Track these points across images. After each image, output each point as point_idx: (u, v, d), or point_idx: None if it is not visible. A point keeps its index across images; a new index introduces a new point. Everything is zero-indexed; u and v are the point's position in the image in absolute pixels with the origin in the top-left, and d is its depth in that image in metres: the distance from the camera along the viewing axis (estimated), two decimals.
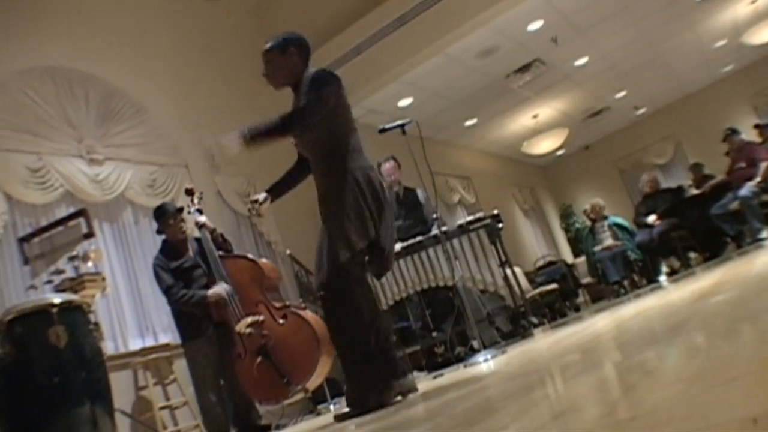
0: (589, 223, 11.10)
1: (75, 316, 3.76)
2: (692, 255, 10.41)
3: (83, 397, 3.63)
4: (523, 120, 13.93)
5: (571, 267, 13.25)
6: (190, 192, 5.69)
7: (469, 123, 13.14)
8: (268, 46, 3.77)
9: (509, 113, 13.34)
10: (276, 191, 4.11)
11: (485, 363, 4.59)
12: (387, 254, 3.64)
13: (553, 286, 11.25)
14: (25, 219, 6.89)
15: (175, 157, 8.45)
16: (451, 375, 4.53)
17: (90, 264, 5.17)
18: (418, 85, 10.42)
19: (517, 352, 4.62)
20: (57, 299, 3.72)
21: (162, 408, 6.71)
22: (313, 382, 5.42)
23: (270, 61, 3.76)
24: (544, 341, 5.03)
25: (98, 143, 7.73)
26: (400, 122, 5.47)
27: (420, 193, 7.15)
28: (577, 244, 15.54)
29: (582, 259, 12.56)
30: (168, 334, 7.52)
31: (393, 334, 3.77)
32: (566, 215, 17.53)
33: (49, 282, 5.13)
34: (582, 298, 13.22)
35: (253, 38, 10.76)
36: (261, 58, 3.81)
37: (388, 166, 7.14)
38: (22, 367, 3.58)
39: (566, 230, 17.37)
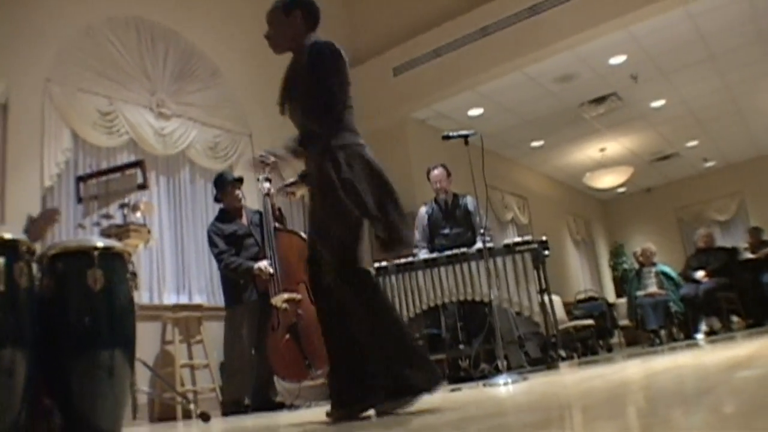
0: (637, 266, 10.95)
1: (114, 262, 3.80)
2: (735, 318, 10.23)
3: (108, 341, 3.67)
4: (590, 151, 13.79)
5: (611, 306, 13.10)
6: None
7: (535, 144, 13.03)
8: (272, 6, 3.53)
9: (577, 142, 13.21)
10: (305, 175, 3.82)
11: (505, 386, 4.56)
12: (392, 226, 3.29)
13: (590, 322, 11.14)
14: (87, 159, 7.08)
15: (241, 125, 8.55)
16: (469, 392, 4.50)
17: (138, 215, 5.24)
18: (491, 98, 10.36)
19: (539, 381, 4.56)
20: (100, 243, 3.77)
21: (183, 366, 6.81)
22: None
23: (272, 22, 3.52)
24: (569, 376, 4.96)
25: (169, 98, 7.87)
26: (464, 132, 5.45)
27: (470, 200, 7.10)
28: (621, 285, 15.35)
29: (623, 300, 12.41)
30: (203, 296, 7.65)
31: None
32: (616, 254, 17.31)
33: (97, 224, 5.22)
34: (617, 339, 13.07)
35: (336, 23, 10.83)
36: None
37: (436, 172, 7.11)
38: (57, 302, 3.64)
39: (613, 268, 17.14)
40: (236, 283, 6.05)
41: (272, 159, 3.53)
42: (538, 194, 14.48)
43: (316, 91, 3.30)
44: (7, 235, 3.44)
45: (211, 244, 6.16)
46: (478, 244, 6.63)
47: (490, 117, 11.01)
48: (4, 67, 6.58)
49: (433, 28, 9.83)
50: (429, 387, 3.05)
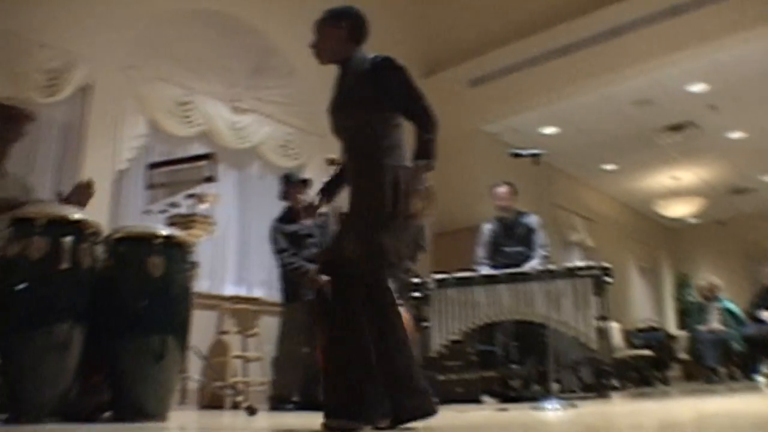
0: (701, 299, 10.72)
1: (175, 251, 3.90)
2: None
3: (161, 327, 3.78)
4: (662, 178, 13.52)
5: (671, 338, 12.83)
6: (332, 162, 5.67)
7: (606, 167, 12.84)
8: (321, 15, 3.44)
9: (649, 168, 12.96)
10: (330, 191, 3.71)
11: (552, 412, 4.51)
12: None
13: (648, 352, 10.94)
14: (160, 146, 7.25)
15: (314, 125, 8.60)
16: (516, 413, 4.46)
17: (204, 206, 5.32)
18: (565, 118, 10.27)
19: (588, 411, 4.49)
20: (164, 231, 3.87)
21: (236, 357, 6.88)
22: None
23: (319, 32, 3.42)
24: (619, 409, 4.87)
25: (245, 93, 8.01)
26: (534, 151, 5.37)
27: (534, 219, 7.01)
28: (684, 317, 15.05)
29: (684, 333, 12.18)
30: (262, 289, 7.75)
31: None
32: (681, 284, 16.95)
33: (163, 211, 5.30)
34: (674, 372, 12.82)
35: (415, 31, 10.87)
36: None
37: (501, 190, 7.03)
38: (116, 284, 3.75)
39: (677, 300, 16.80)
40: (294, 281, 6.11)
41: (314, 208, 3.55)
42: (606, 217, 14.28)
43: (405, 104, 3.20)
44: (76, 216, 3.56)
45: (273, 241, 6.27)
46: (534, 261, 6.61)
47: (563, 136, 10.90)
48: (90, 51, 6.77)
49: (512, 43, 9.79)
50: (422, 415, 2.98)
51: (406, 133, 3.29)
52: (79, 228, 3.53)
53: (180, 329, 3.91)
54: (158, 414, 3.76)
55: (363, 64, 3.28)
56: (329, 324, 3.22)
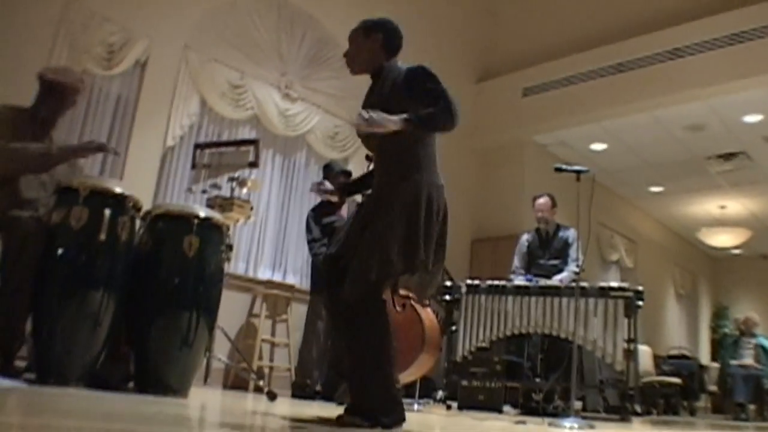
0: (737, 332, 10.58)
1: (212, 233, 3.97)
2: None
3: (192, 304, 3.86)
4: (709, 206, 13.35)
5: (702, 368, 12.65)
6: (370, 159, 5.69)
7: (653, 189, 12.71)
8: (355, 26, 3.45)
9: (697, 194, 12.80)
10: (348, 189, 3.85)
11: (569, 430, 4.50)
12: (430, 279, 3.24)
13: (677, 380, 10.80)
14: (210, 126, 7.36)
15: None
16: (533, 427, 4.47)
17: (245, 191, 5.40)
18: (616, 135, 10.17)
19: None
20: (202, 213, 3.95)
21: (264, 341, 6.97)
22: (406, 377, 5.47)
23: (353, 41, 3.44)
24: None
25: (298, 82, 8.08)
26: (578, 168, 5.36)
27: (572, 233, 6.98)
28: (718, 348, 14.86)
29: (717, 365, 12.02)
30: (297, 277, 7.82)
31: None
32: (719, 315, 16.73)
33: (205, 192, 5.40)
34: (702, 403, 12.65)
35: (475, 35, 10.87)
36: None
37: (541, 201, 7.03)
38: (152, 258, 3.84)
39: (713, 330, 16.59)
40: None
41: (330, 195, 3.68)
42: (648, 239, 14.15)
43: (432, 99, 3.10)
44: (117, 189, 3.65)
45: (308, 229, 6.32)
46: (563, 275, 6.61)
47: (612, 154, 10.81)
48: (149, 27, 6.89)
49: (568, 56, 9.74)
50: (390, 426, 3.00)
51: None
52: (119, 201, 3.63)
53: (209, 309, 3.98)
54: (180, 390, 3.83)
55: (397, 75, 3.26)
56: (348, 324, 3.18)
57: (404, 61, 3.42)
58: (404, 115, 3.00)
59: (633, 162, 11.20)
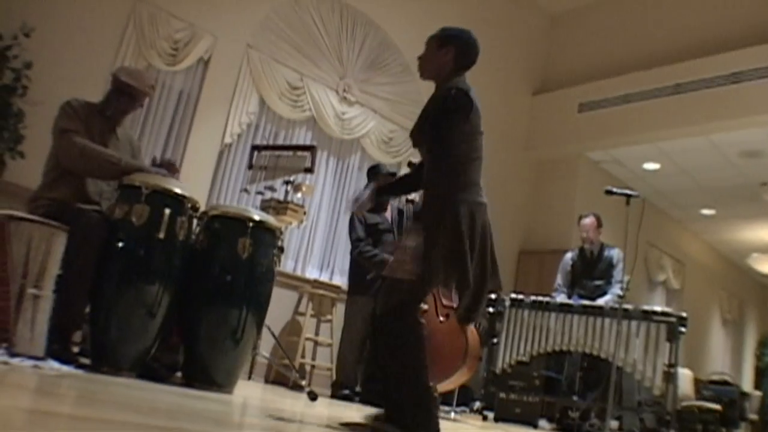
0: None
1: (265, 236, 4.10)
2: None
3: (242, 302, 3.98)
4: (762, 233, 13.18)
5: (744, 396, 12.48)
6: (411, 165, 5.73)
7: (705, 212, 12.59)
8: (434, 33, 3.40)
9: (750, 220, 12.66)
10: (386, 190, 3.84)
11: None
12: (475, 301, 3.21)
13: (717, 406, 10.68)
14: (267, 126, 7.53)
15: None
16: None
17: (299, 195, 5.53)
18: (671, 157, 10.12)
19: None
20: (256, 216, 4.07)
21: (308, 339, 7.09)
22: (445, 386, 5.53)
23: (427, 48, 3.39)
24: None
25: (356, 86, 8.21)
26: (629, 192, 5.40)
27: (616, 253, 6.99)
28: (761, 377, 14.67)
29: (759, 393, 11.88)
30: (343, 278, 7.91)
31: None
32: (764, 344, 16.48)
33: (260, 193, 5.54)
34: (742, 431, 12.47)
35: (536, 48, 10.89)
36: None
37: (587, 221, 7.04)
38: (206, 256, 3.98)
39: (758, 358, 16.36)
40: (363, 273, 6.19)
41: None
42: (697, 262, 14.02)
43: (436, 140, 3.17)
44: (177, 190, 3.79)
45: (352, 228, 6.31)
46: (608, 297, 6.64)
47: (665, 174, 10.76)
48: (213, 25, 7.08)
49: (626, 73, 9.69)
50: None
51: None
52: (179, 201, 3.77)
53: (259, 308, 4.11)
54: (226, 385, 3.97)
55: (442, 93, 3.24)
56: (385, 339, 3.19)
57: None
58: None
59: (686, 184, 11.13)
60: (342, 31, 8.15)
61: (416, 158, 3.79)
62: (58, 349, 3.39)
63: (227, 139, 7.12)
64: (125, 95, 4.16)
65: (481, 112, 3.25)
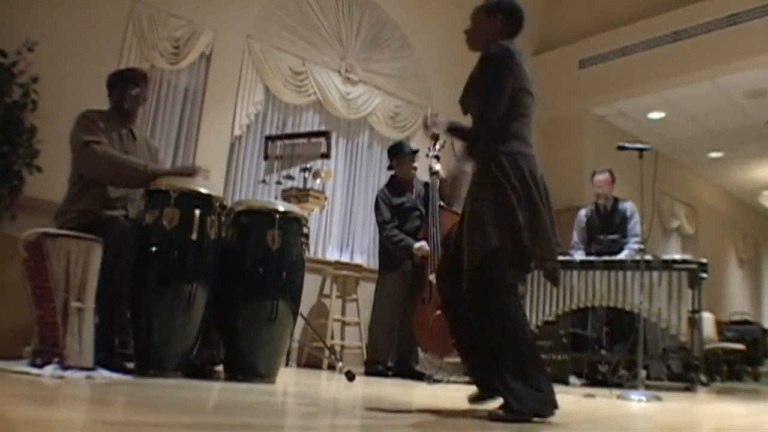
0: None
1: (292, 225, 4.18)
2: None
3: (277, 292, 4.08)
4: None
5: (765, 333, 12.55)
6: (435, 137, 5.72)
7: (713, 155, 12.63)
8: (478, 5, 3.42)
9: (759, 159, 12.71)
10: (455, 130, 3.53)
11: (638, 403, 4.63)
12: (541, 254, 3.08)
13: (741, 346, 10.77)
14: (275, 114, 7.58)
15: (423, 98, 8.79)
16: (602, 401, 4.60)
17: (318, 181, 5.61)
18: (675, 104, 10.15)
19: (673, 407, 4.56)
20: (281, 207, 4.16)
21: (336, 320, 7.18)
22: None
23: (474, 19, 3.43)
24: (705, 407, 4.91)
25: (358, 65, 8.26)
26: (640, 146, 5.44)
27: (629, 206, 7.04)
28: None
29: None
30: (364, 256, 8.03)
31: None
32: None
33: (279, 183, 5.61)
34: (766, 368, 12.56)
35: (532, 8, 10.86)
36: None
37: (601, 177, 7.09)
38: (237, 252, 4.06)
39: None
40: (391, 252, 6.30)
41: (434, 128, 3.51)
42: (709, 206, 14.06)
43: (476, 98, 3.22)
44: (203, 190, 3.87)
45: (377, 210, 6.41)
46: (626, 251, 6.71)
47: (671, 122, 10.79)
48: (213, 19, 7.12)
49: (624, 25, 9.69)
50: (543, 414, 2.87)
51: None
52: (207, 201, 3.85)
53: (292, 296, 4.21)
54: (268, 374, 4.06)
55: (490, 55, 3.24)
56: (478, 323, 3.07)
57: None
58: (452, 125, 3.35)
59: (692, 129, 11.16)
60: (339, 13, 8.18)
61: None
62: (104, 357, 3.48)
63: (237, 131, 7.19)
64: (128, 81, 4.24)
65: (529, 75, 3.26)
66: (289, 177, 5.55)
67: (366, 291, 7.27)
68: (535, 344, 3.18)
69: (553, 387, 2.95)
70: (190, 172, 4.06)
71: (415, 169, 6.43)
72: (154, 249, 3.70)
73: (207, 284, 3.82)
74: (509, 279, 3.10)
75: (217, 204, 3.92)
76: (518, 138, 3.18)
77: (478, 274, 2.99)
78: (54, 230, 3.46)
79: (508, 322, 2.98)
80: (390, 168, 6.58)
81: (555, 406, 2.90)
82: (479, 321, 3.04)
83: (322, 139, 5.47)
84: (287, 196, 5.41)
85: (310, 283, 7.26)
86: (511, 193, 3.02)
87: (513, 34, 3.38)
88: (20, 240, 3.32)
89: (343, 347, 7.35)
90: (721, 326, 11.65)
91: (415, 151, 6.48)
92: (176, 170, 4.05)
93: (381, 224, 6.34)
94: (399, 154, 6.47)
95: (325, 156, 5.53)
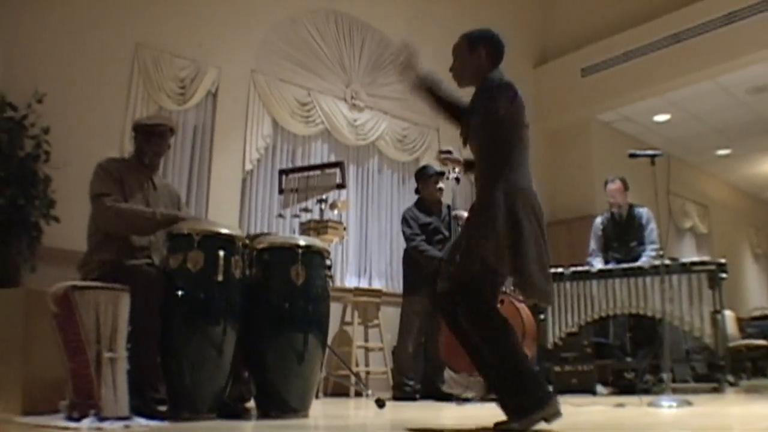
0: None
1: (315, 259, 4.20)
2: None
3: (304, 326, 4.09)
4: None
5: None
6: (442, 161, 5.77)
7: (721, 152, 12.65)
8: (458, 40, 3.50)
9: (766, 153, 12.75)
10: (470, 165, 3.72)
11: (668, 409, 4.62)
12: (531, 281, 3.17)
13: (764, 342, 10.71)
14: (284, 145, 7.64)
15: (429, 118, 8.82)
16: (633, 411, 4.58)
17: (335, 212, 5.65)
18: (680, 105, 10.18)
19: (706, 411, 4.54)
20: (302, 242, 4.18)
21: (359, 347, 7.19)
22: None
23: (457, 56, 3.50)
24: (737, 409, 4.89)
25: (363, 90, 8.33)
26: (651, 152, 5.43)
27: (645, 213, 7.06)
28: None
29: None
30: (382, 281, 8.04)
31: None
32: None
33: (296, 216, 5.65)
34: None
35: (529, 20, 10.94)
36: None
37: (613, 187, 7.09)
38: (261, 289, 4.08)
39: None
40: (416, 273, 6.30)
41: (451, 158, 3.72)
42: (720, 203, 14.05)
43: (483, 128, 3.28)
44: (225, 231, 3.89)
45: (405, 225, 6.41)
46: (644, 258, 6.71)
47: (677, 123, 10.82)
48: (216, 57, 7.21)
49: (624, 31, 9.78)
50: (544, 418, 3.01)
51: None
52: (230, 241, 3.88)
53: (320, 328, 4.22)
54: (301, 408, 4.06)
55: (491, 85, 3.35)
56: (479, 333, 3.22)
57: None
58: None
59: (698, 128, 11.19)
60: (340, 39, 8.26)
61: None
62: (138, 404, 3.49)
63: (248, 166, 7.25)
64: (153, 135, 4.25)
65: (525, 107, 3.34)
66: (306, 210, 5.59)
67: (387, 315, 7.29)
68: (525, 355, 3.31)
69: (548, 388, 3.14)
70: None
71: (440, 190, 6.46)
72: (180, 293, 3.72)
73: (235, 323, 3.85)
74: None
75: (240, 243, 3.95)
76: (521, 168, 3.29)
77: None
78: (81, 282, 3.48)
79: (496, 330, 3.15)
80: (417, 191, 6.62)
81: (552, 403, 3.04)
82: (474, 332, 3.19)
83: (336, 170, 5.51)
84: (306, 228, 5.44)
85: (331, 312, 7.25)
86: (506, 227, 3.12)
87: (497, 64, 3.46)
88: (49, 294, 3.34)
89: (368, 373, 7.36)
90: (741, 323, 11.59)
91: (440, 173, 6.50)
92: (186, 214, 4.07)
93: (409, 237, 6.35)
94: (424, 176, 6.54)
95: (341, 186, 5.58)
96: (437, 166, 6.17)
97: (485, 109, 3.26)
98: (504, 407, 3.09)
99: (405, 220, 6.43)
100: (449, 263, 3.34)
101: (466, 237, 3.27)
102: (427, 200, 6.48)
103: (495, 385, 3.22)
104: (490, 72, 3.40)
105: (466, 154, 3.59)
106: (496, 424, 3.05)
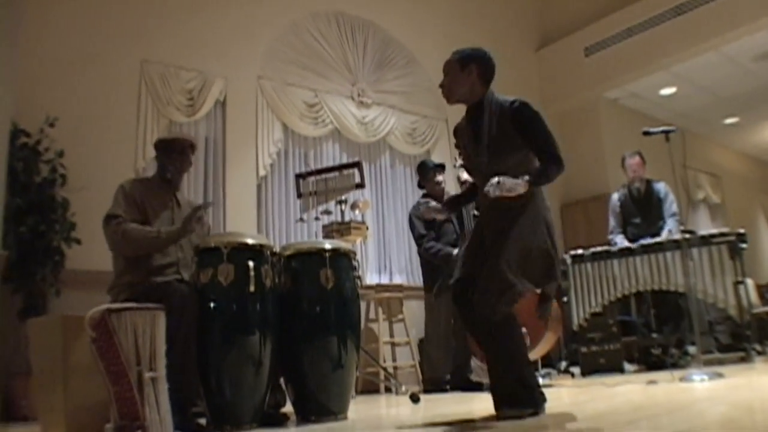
0: None
1: (342, 261, 4.24)
2: None
3: (337, 329, 4.13)
4: None
5: None
6: (464, 184, 5.81)
7: (729, 121, 12.63)
8: (449, 57, 3.56)
9: None
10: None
11: (701, 383, 4.62)
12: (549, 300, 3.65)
13: None
14: (296, 148, 7.66)
15: (437, 110, 8.87)
16: (666, 387, 4.58)
17: (357, 212, 5.67)
18: (685, 78, 10.16)
19: (739, 382, 4.53)
20: (328, 245, 4.21)
21: (386, 343, 7.22)
22: (534, 354, 5.69)
23: (448, 73, 3.54)
24: None
25: (369, 88, 8.33)
26: (665, 128, 5.42)
27: (662, 187, 7.06)
28: None
29: None
30: (402, 276, 8.07)
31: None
32: None
33: (317, 219, 5.67)
34: None
35: (526, 6, 10.92)
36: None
37: (633, 161, 7.09)
38: (293, 296, 4.11)
39: None
40: (436, 267, 6.32)
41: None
42: (732, 172, 14.00)
43: (538, 146, 3.36)
44: (250, 241, 3.93)
45: (412, 227, 6.43)
46: (665, 233, 6.71)
47: (683, 96, 10.81)
48: (223, 67, 7.24)
49: (625, 7, 9.77)
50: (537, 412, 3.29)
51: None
52: (258, 252, 3.91)
53: (353, 330, 4.25)
54: (340, 411, 4.10)
55: (501, 108, 3.43)
56: (486, 339, 3.44)
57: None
58: (526, 178, 3.22)
59: (705, 99, 11.18)
60: (343, 39, 8.29)
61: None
62: (179, 420, 3.53)
63: (261, 172, 7.28)
64: (174, 151, 4.30)
65: None
66: (327, 212, 5.61)
67: (410, 309, 7.32)
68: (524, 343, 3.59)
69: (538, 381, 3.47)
70: (196, 210, 4.09)
71: (439, 183, 6.46)
72: (213, 306, 3.76)
73: (271, 333, 3.88)
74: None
75: (268, 252, 3.99)
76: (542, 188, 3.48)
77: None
78: (116, 305, 3.51)
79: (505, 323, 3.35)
80: (420, 186, 6.63)
81: (544, 399, 3.38)
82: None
83: (354, 170, 5.53)
84: (329, 231, 5.47)
85: None
86: (541, 248, 3.34)
87: (489, 82, 3.53)
88: (86, 320, 3.37)
89: (396, 368, 7.39)
90: (761, 290, 11.56)
91: (438, 165, 6.52)
92: (185, 224, 4.08)
93: (417, 239, 6.36)
94: (424, 170, 6.54)
95: (360, 186, 5.60)
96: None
97: (529, 131, 3.38)
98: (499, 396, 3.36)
99: (411, 224, 6.44)
100: (473, 258, 3.50)
101: (492, 259, 3.31)
102: (430, 195, 6.47)
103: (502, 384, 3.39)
104: (484, 90, 3.50)
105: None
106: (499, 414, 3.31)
